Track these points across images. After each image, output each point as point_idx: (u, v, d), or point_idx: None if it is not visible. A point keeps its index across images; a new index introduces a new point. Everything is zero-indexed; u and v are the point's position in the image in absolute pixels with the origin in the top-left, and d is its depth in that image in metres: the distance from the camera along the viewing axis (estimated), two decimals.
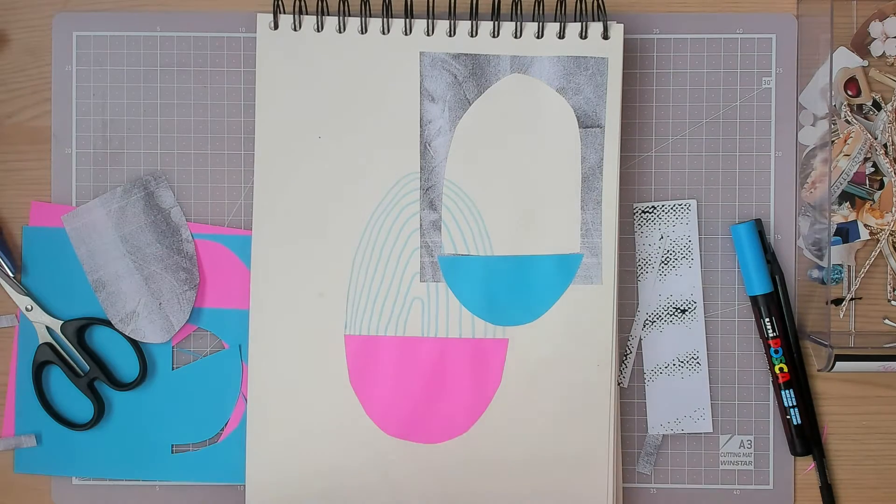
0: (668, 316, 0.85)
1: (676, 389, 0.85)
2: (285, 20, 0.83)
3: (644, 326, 0.85)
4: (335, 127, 0.83)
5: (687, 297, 0.85)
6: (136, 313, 0.84)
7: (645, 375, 0.85)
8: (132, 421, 0.85)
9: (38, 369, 0.84)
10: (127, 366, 0.85)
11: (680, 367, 0.85)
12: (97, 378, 0.84)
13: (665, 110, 0.85)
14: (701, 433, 0.85)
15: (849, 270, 0.85)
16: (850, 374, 0.85)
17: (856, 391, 0.85)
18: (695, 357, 0.85)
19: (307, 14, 0.83)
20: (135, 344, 0.84)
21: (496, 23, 0.82)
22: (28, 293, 0.84)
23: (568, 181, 0.82)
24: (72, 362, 0.84)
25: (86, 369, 0.84)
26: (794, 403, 0.83)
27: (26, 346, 0.85)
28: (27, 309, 0.84)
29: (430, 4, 0.82)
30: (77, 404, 0.85)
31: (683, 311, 0.85)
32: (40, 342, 0.84)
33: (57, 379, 0.85)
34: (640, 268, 0.85)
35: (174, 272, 0.84)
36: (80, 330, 0.84)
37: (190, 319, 0.84)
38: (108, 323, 0.84)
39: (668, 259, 0.85)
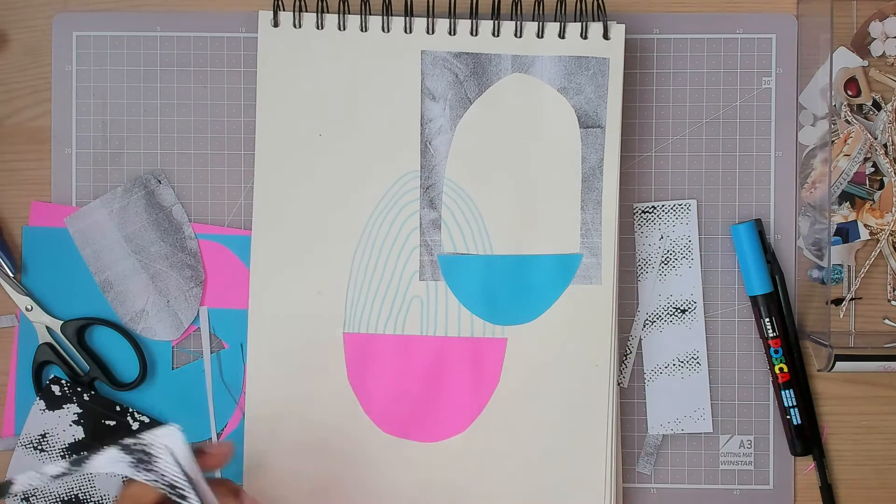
0: (668, 316, 0.85)
1: (676, 389, 0.85)
2: (286, 18, 0.83)
3: (644, 326, 0.85)
4: (335, 125, 0.83)
5: (687, 297, 0.85)
6: (145, 312, 0.84)
7: (645, 375, 0.85)
8: None
9: (38, 369, 0.84)
10: (127, 366, 0.85)
11: (680, 367, 0.85)
12: (97, 378, 0.84)
13: (665, 110, 0.85)
14: (701, 433, 0.85)
15: (849, 270, 0.85)
16: (850, 374, 0.85)
17: (856, 391, 0.85)
18: (695, 357, 0.85)
19: (307, 12, 0.83)
20: (135, 344, 0.84)
21: (497, 22, 0.82)
22: (28, 293, 0.84)
23: (568, 181, 0.82)
24: (72, 362, 0.84)
25: (86, 369, 0.84)
26: (794, 403, 0.83)
27: (26, 346, 0.84)
28: (27, 309, 0.84)
29: (430, 3, 0.82)
30: None
31: (683, 311, 0.85)
32: (40, 342, 0.84)
33: None
34: (640, 268, 0.85)
35: (179, 269, 0.84)
36: (80, 330, 0.84)
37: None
38: (108, 323, 0.84)
39: (668, 259, 0.85)
